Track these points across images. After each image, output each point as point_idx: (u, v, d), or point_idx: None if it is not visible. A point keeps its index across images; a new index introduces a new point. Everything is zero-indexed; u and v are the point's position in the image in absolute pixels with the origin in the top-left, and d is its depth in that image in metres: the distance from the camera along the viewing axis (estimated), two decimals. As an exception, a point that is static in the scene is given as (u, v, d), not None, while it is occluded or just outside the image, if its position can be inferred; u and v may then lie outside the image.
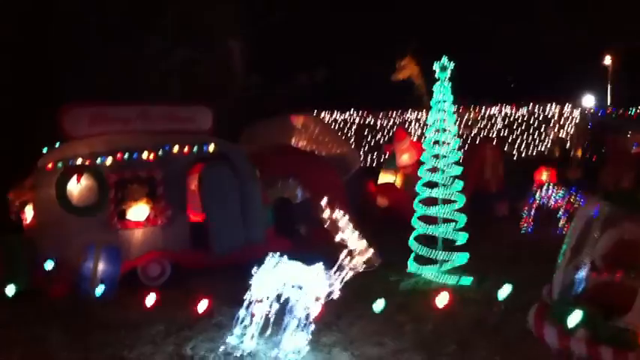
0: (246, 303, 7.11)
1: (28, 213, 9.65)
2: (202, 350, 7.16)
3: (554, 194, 14.86)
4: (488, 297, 9.02)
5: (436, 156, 10.10)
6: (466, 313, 8.38)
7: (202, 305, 7.32)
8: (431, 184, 10.12)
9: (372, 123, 23.02)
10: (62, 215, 9.24)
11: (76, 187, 9.33)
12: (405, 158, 15.09)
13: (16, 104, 13.54)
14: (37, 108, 13.38)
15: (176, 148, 10.01)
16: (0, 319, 8.21)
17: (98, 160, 9.52)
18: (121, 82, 14.44)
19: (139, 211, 9.72)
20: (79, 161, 9.43)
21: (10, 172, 10.69)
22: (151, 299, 7.57)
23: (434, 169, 10.08)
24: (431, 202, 10.10)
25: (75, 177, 9.28)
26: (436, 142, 10.10)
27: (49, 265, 8.79)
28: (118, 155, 9.63)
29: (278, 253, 7.10)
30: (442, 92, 10.06)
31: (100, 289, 9.01)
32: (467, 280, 9.69)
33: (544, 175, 17.94)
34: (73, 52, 14.22)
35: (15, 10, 14.11)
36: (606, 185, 17.79)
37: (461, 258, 9.82)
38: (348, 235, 6.76)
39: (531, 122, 21.67)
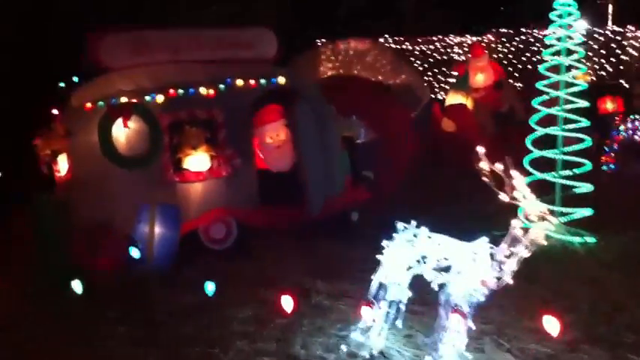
0: (373, 287, 5.38)
1: (62, 164, 7.82)
2: (318, 349, 5.47)
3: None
4: (622, 257, 7.43)
5: (553, 86, 8.34)
6: (618, 283, 6.73)
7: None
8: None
9: (410, 48, 20.90)
10: (106, 168, 7.43)
11: (123, 131, 7.47)
12: (479, 79, 13.22)
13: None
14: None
15: (240, 82, 8.10)
16: (41, 308, 6.50)
17: (147, 98, 7.64)
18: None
19: (198, 161, 7.90)
20: (124, 99, 7.54)
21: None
22: (288, 303, 5.67)
23: (552, 102, 8.35)
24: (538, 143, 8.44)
25: (121, 119, 7.41)
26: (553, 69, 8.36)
27: (134, 251, 6.87)
28: (171, 91, 7.74)
29: (414, 223, 5.33)
30: (565, 3, 8.18)
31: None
32: (592, 239, 7.98)
33: (609, 105, 16.10)
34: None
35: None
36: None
37: (585, 209, 8.12)
38: (523, 196, 4.97)
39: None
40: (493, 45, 19.98)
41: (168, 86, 7.73)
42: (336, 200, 8.67)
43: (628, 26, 18.84)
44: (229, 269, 7.44)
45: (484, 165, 5.13)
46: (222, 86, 7.98)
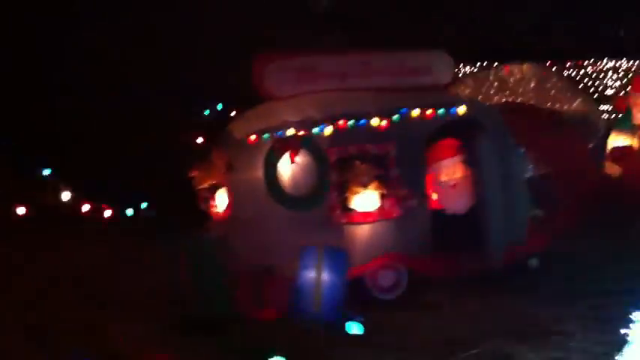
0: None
1: (220, 200, 7.19)
2: None
3: None
4: None
5: None
6: None
7: None
8: None
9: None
10: (271, 207, 6.72)
11: (289, 168, 6.75)
12: None
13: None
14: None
15: (416, 112, 7.21)
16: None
17: (314, 130, 6.89)
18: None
19: (367, 200, 7.05)
20: (291, 131, 6.82)
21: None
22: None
23: None
24: None
25: (288, 154, 6.69)
26: None
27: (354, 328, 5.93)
28: (340, 122, 6.96)
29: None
30: None
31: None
32: None
33: None
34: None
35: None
36: None
37: None
38: None
39: None
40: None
41: (338, 117, 6.96)
42: (519, 246, 7.56)
43: None
44: (405, 323, 6.54)
45: None
46: (395, 117, 7.12)
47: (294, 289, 6.64)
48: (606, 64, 19.00)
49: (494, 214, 7.30)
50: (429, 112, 7.24)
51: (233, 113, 9.60)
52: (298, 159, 6.72)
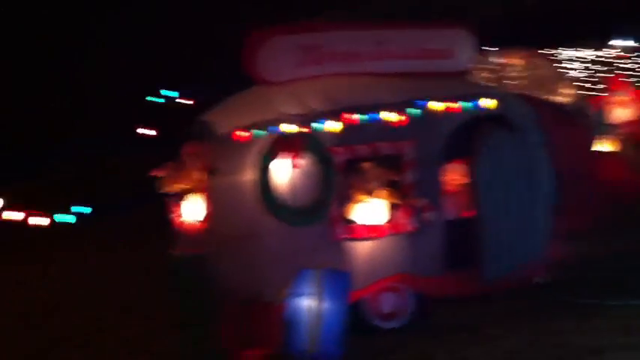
0: None
1: (190, 208, 5.75)
2: None
3: None
4: None
5: None
6: None
7: None
8: None
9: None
10: (261, 220, 5.36)
11: (287, 172, 5.38)
12: (621, 114, 10.73)
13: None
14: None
15: (437, 105, 5.90)
16: None
17: (317, 125, 5.51)
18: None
19: (372, 210, 5.80)
20: (288, 127, 5.42)
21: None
22: None
23: None
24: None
25: (288, 157, 5.32)
26: None
27: None
28: (349, 116, 5.60)
29: None
30: None
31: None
32: None
33: None
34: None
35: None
36: None
37: None
38: None
39: None
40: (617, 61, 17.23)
41: (346, 109, 5.60)
42: (536, 263, 6.45)
43: None
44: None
45: None
46: (415, 110, 5.80)
47: (286, 322, 5.40)
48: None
49: (492, 224, 6.11)
50: (453, 105, 5.94)
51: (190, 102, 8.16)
52: (299, 162, 5.35)
